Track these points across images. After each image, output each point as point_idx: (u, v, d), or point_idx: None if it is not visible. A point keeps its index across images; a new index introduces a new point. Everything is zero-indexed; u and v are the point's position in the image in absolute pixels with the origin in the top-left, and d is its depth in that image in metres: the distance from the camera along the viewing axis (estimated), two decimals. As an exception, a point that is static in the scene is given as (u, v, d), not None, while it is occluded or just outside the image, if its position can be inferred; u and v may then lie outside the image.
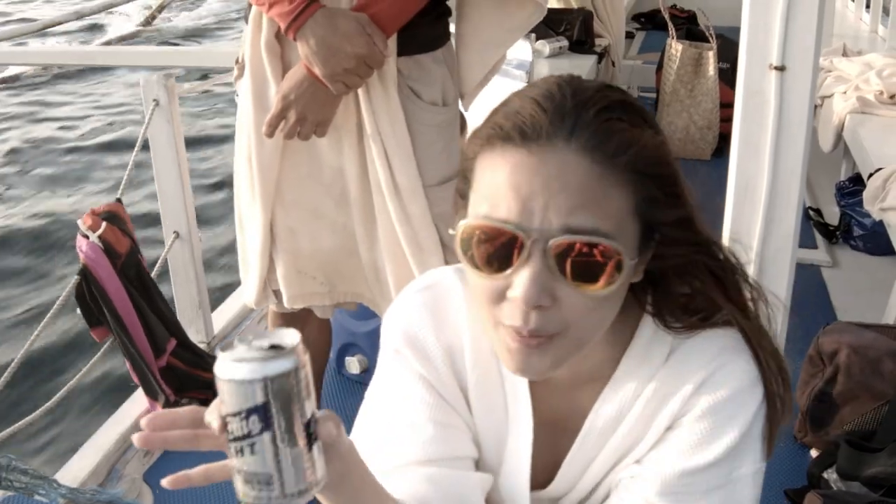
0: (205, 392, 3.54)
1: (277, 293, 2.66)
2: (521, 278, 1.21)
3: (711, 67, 6.39)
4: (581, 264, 1.20)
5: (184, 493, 3.13)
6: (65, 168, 9.54)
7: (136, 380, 3.38)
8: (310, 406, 1.08)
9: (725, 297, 1.39)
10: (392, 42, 2.31)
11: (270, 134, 2.34)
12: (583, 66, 6.34)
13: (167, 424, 1.10)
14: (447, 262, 2.44)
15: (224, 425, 1.06)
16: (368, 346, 3.62)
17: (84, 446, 3.28)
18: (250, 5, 2.42)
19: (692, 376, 1.39)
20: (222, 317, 4.08)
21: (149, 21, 15.19)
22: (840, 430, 3.03)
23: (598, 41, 7.02)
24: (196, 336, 3.80)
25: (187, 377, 3.48)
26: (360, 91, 2.35)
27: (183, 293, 3.81)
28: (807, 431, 3.20)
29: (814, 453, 3.13)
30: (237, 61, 2.57)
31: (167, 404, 3.35)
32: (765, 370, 1.40)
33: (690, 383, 1.39)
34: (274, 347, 1.06)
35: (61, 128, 11.01)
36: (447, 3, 2.48)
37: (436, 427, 1.46)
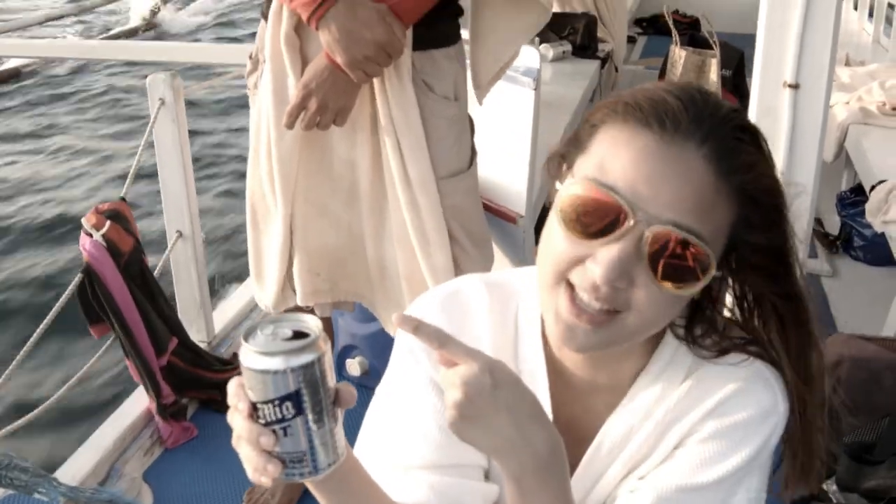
0: (206, 391, 3.55)
1: (294, 291, 2.69)
2: (608, 252, 1.23)
3: (714, 74, 6.39)
4: (671, 261, 1.23)
5: (183, 492, 3.13)
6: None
7: (136, 378, 3.38)
8: (332, 384, 1.15)
9: (784, 345, 1.39)
10: (408, 36, 2.36)
11: (290, 124, 2.38)
12: (586, 71, 6.34)
13: None
14: (455, 257, 2.50)
15: (254, 410, 1.12)
16: (369, 348, 3.62)
17: (84, 445, 3.27)
18: (269, 0, 2.46)
19: (705, 400, 1.40)
20: (223, 316, 4.08)
21: (153, 13, 15.08)
22: (840, 441, 3.03)
23: (601, 46, 7.02)
24: (197, 335, 3.79)
25: (188, 376, 3.49)
26: (376, 83, 2.40)
27: (184, 292, 3.80)
28: (806, 443, 3.20)
29: (813, 465, 3.13)
30: (251, 56, 2.62)
31: (160, 407, 3.36)
32: (805, 421, 1.41)
33: (702, 407, 1.39)
34: (297, 334, 1.13)
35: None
36: (459, 3, 2.54)
37: (442, 433, 1.44)
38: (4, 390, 3.18)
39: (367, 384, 3.40)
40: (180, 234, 3.68)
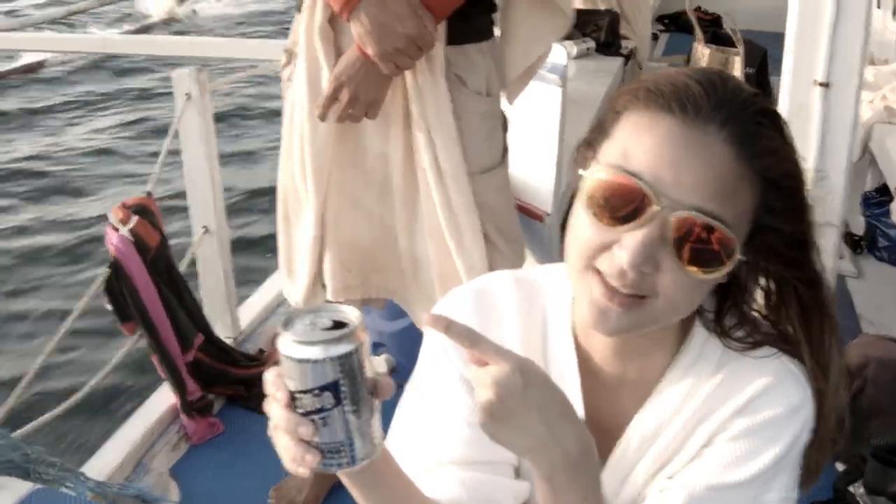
0: (232, 387, 3.56)
1: (324, 286, 2.69)
2: (633, 238, 1.24)
3: (738, 72, 6.37)
4: (696, 245, 1.24)
5: (210, 488, 3.14)
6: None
7: (162, 374, 3.39)
8: (370, 374, 1.15)
9: (805, 332, 1.40)
10: (441, 30, 2.37)
11: (323, 116, 2.40)
12: (610, 68, 6.32)
13: None
14: (487, 255, 2.48)
15: (292, 400, 1.13)
16: (395, 346, 3.62)
17: (110, 440, 3.28)
18: None
19: (735, 397, 1.39)
20: (249, 312, 4.08)
21: (174, 9, 14.99)
22: (867, 444, 3.02)
23: (624, 43, 7.00)
24: (223, 331, 3.80)
25: (214, 372, 3.50)
26: (408, 76, 2.40)
27: (210, 288, 3.81)
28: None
29: (840, 467, 3.12)
30: (286, 49, 2.64)
31: (184, 404, 3.37)
32: (822, 413, 1.41)
33: (731, 404, 1.39)
34: (336, 324, 1.12)
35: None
36: None
37: (473, 430, 1.44)
38: (34, 386, 3.17)
39: (393, 381, 3.40)
40: (206, 230, 3.68)
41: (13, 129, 10.41)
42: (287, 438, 1.16)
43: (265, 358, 3.77)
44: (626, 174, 1.24)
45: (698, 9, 8.61)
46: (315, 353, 1.09)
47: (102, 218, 3.35)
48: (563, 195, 3.47)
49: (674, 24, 10.63)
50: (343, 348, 1.10)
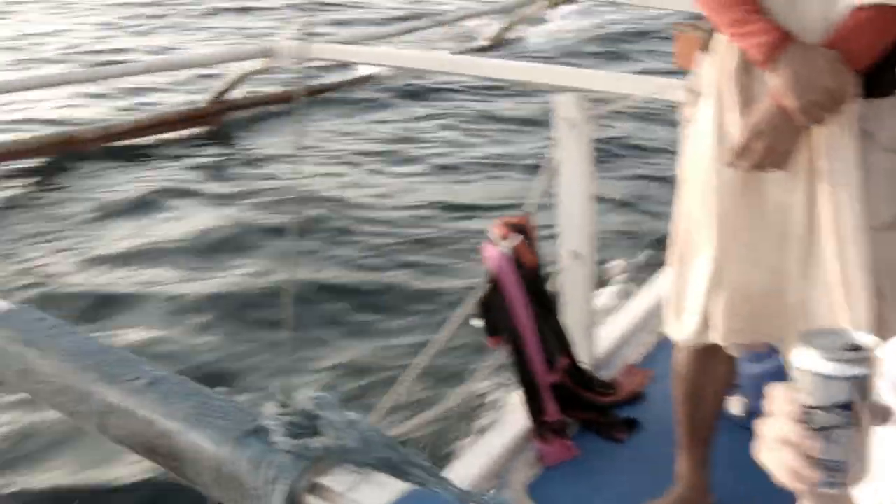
0: (588, 412, 3.57)
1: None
2: None
3: None
4: None
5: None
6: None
7: (522, 393, 3.43)
8: (879, 401, 1.16)
9: None
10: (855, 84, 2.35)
11: (734, 163, 2.41)
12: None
13: None
14: (881, 314, 2.44)
15: (803, 414, 1.13)
16: (751, 388, 3.55)
17: (471, 451, 3.35)
18: (710, 33, 2.50)
19: None
20: (605, 340, 4.08)
21: (501, 34, 15.01)
22: None
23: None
24: (581, 357, 3.79)
25: (574, 396, 3.52)
26: (817, 128, 2.38)
27: (572, 313, 3.82)
28: None
29: None
30: (689, 89, 2.64)
31: (538, 425, 3.40)
32: None
33: None
34: (855, 348, 1.14)
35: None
36: None
37: None
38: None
39: (747, 426, 3.34)
40: (576, 255, 3.72)
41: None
42: (790, 452, 1.16)
43: (619, 388, 3.78)
44: None
45: None
46: (837, 369, 1.11)
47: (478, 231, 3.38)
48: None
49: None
50: (863, 370, 1.12)
